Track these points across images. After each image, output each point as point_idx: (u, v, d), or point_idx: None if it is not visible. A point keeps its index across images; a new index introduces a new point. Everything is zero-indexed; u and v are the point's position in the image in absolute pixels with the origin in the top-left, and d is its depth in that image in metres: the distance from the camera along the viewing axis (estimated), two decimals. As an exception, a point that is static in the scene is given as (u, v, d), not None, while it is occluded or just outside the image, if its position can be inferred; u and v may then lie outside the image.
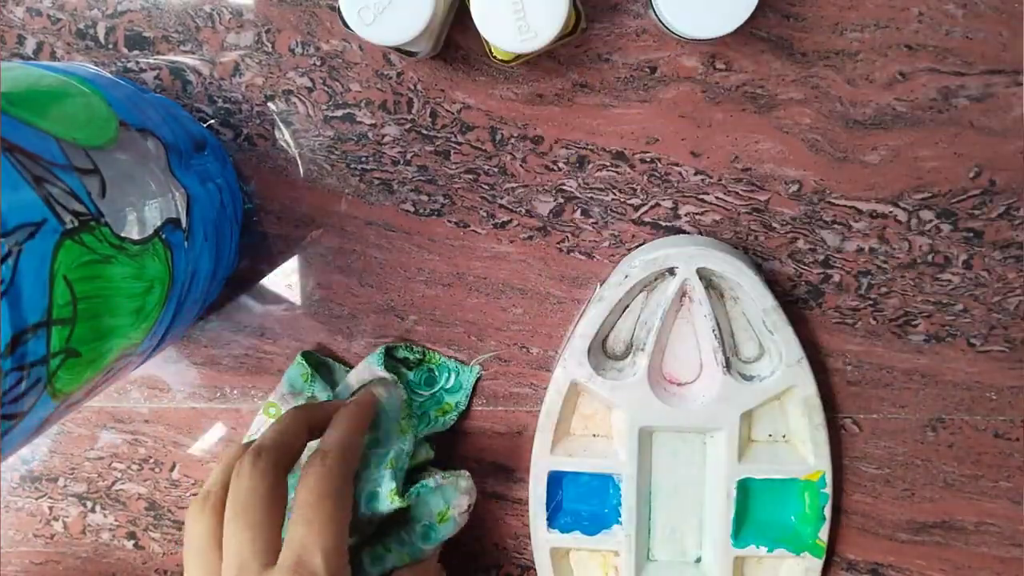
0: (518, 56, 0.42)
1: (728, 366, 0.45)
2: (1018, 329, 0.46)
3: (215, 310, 0.48)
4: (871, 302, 0.46)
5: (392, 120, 0.45)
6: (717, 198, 0.45)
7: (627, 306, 0.46)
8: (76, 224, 0.30)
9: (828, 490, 0.46)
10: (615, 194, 0.45)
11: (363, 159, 0.45)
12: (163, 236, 0.36)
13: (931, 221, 0.45)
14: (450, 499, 0.43)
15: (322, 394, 0.46)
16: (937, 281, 0.46)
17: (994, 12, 0.42)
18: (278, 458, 0.37)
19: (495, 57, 0.42)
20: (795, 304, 0.46)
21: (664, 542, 0.48)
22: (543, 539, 0.47)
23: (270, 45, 0.44)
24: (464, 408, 0.48)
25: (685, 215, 0.45)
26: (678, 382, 0.46)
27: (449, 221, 0.46)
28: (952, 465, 0.48)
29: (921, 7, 0.42)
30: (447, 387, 0.48)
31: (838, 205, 0.45)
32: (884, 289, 0.46)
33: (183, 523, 0.52)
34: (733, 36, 0.43)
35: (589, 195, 0.45)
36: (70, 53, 0.45)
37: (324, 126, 0.45)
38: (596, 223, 0.46)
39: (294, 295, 0.48)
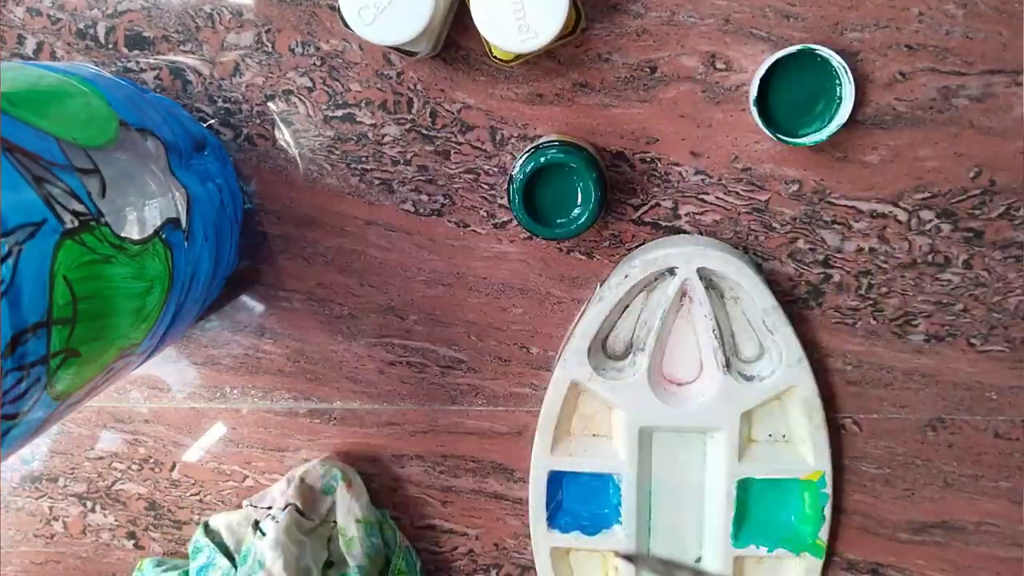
0: (518, 56, 0.42)
1: (728, 366, 0.45)
2: (1018, 329, 0.46)
3: (215, 310, 0.48)
4: (871, 302, 0.46)
5: (392, 120, 0.45)
6: (717, 198, 0.45)
7: (627, 306, 0.46)
8: (76, 224, 0.30)
9: (828, 490, 0.46)
10: (615, 194, 0.45)
11: (363, 159, 0.45)
12: (163, 236, 0.36)
13: (931, 221, 0.45)
14: None
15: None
16: (937, 281, 0.46)
17: (994, 12, 0.42)
18: None
19: (495, 57, 0.42)
20: (795, 304, 0.46)
21: (664, 542, 0.48)
22: (543, 539, 0.47)
23: (270, 45, 0.44)
24: None
25: (685, 215, 0.45)
26: (678, 382, 0.46)
27: (449, 221, 0.46)
28: (952, 465, 0.48)
29: (921, 7, 0.42)
30: None
31: (838, 205, 0.45)
32: (884, 289, 0.46)
33: (183, 523, 0.52)
34: (733, 36, 0.43)
35: (589, 195, 0.45)
36: (70, 53, 0.45)
37: (324, 126, 0.45)
38: (596, 223, 0.46)
39: (294, 295, 0.48)
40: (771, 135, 0.42)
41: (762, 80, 0.41)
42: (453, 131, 0.45)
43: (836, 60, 0.40)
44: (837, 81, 0.41)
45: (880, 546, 0.49)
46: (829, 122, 0.42)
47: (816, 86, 0.42)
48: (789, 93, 0.42)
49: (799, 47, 0.40)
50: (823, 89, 0.42)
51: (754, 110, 0.41)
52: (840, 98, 0.41)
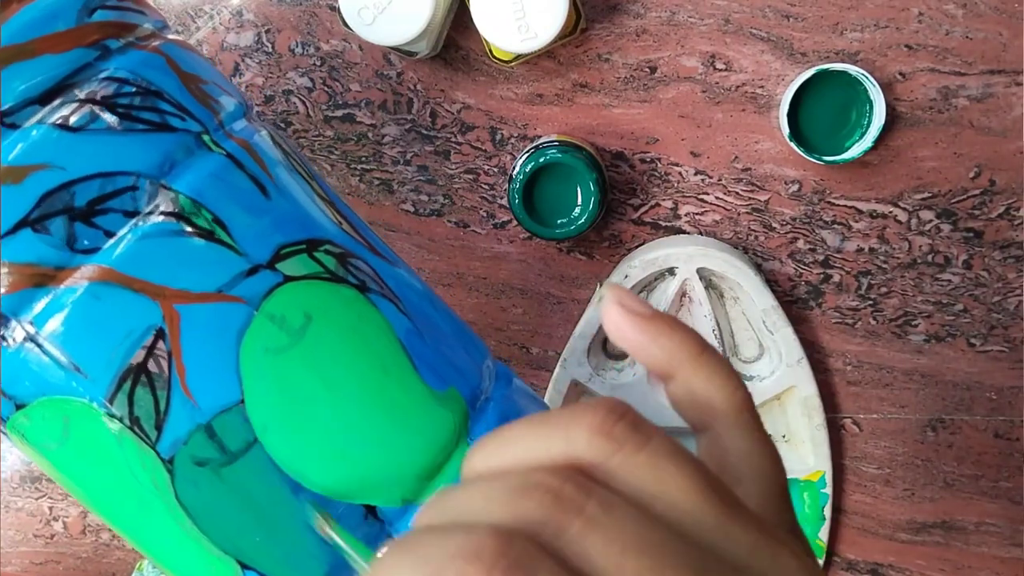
0: (518, 56, 0.42)
1: (728, 366, 0.45)
2: (1018, 329, 0.46)
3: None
4: (871, 302, 0.46)
5: (392, 120, 0.45)
6: (717, 198, 0.45)
7: (627, 306, 0.46)
8: None
9: (828, 490, 0.46)
10: (615, 194, 0.45)
11: (363, 159, 0.46)
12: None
13: (931, 221, 0.45)
14: None
15: None
16: (937, 281, 0.46)
17: (994, 12, 0.42)
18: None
19: (495, 57, 0.42)
20: (795, 304, 0.46)
21: (664, 542, 0.48)
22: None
23: (270, 45, 0.44)
24: None
25: (685, 215, 0.45)
26: (678, 382, 0.46)
27: (449, 221, 0.46)
28: (952, 465, 0.48)
29: (921, 7, 0.42)
30: None
31: (838, 205, 0.45)
32: (884, 289, 0.46)
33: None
34: (733, 36, 0.43)
35: (589, 195, 0.45)
36: (70, 53, 0.45)
37: (324, 126, 0.45)
38: (596, 223, 0.46)
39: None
40: (817, 160, 0.42)
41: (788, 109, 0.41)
42: (453, 131, 0.45)
43: (854, 70, 0.40)
44: (861, 88, 0.41)
45: (880, 546, 0.49)
46: (866, 129, 0.41)
47: (842, 99, 0.42)
48: (816, 113, 0.42)
49: (815, 70, 0.40)
50: (850, 100, 0.42)
51: (792, 143, 0.41)
52: (870, 102, 0.41)
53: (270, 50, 0.44)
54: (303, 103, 0.45)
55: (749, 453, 0.20)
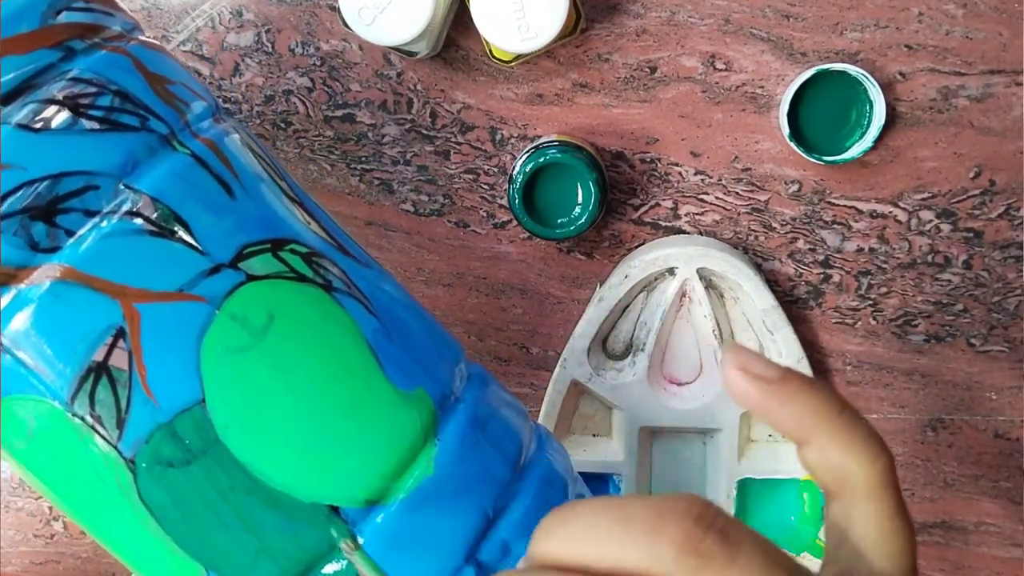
0: (518, 56, 0.42)
1: (728, 366, 0.45)
2: (1018, 329, 0.46)
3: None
4: (871, 302, 0.46)
5: (392, 120, 0.45)
6: (717, 198, 0.45)
7: (627, 306, 0.46)
8: None
9: (828, 490, 0.46)
10: (615, 194, 0.45)
11: (363, 159, 0.46)
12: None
13: (931, 221, 0.45)
14: None
15: None
16: (937, 281, 0.46)
17: (994, 12, 0.42)
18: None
19: (495, 57, 0.42)
20: (795, 304, 0.46)
21: (664, 542, 0.48)
22: (543, 539, 0.47)
23: (270, 45, 0.44)
24: None
25: (685, 215, 0.45)
26: (678, 382, 0.46)
27: (449, 221, 0.46)
28: (952, 465, 0.48)
29: (921, 7, 0.42)
30: None
31: (838, 205, 0.45)
32: (884, 289, 0.46)
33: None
34: (733, 36, 0.43)
35: (589, 195, 0.45)
36: (70, 53, 0.45)
37: (324, 126, 0.45)
38: (596, 223, 0.46)
39: (294, 295, 0.48)
40: (817, 160, 0.42)
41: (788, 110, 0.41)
42: (453, 131, 0.45)
43: (854, 70, 0.40)
44: (861, 88, 0.41)
45: (880, 546, 0.49)
46: (866, 129, 0.41)
47: (842, 99, 0.42)
48: (816, 113, 0.42)
49: (815, 70, 0.40)
50: (850, 100, 0.42)
51: (792, 143, 0.41)
52: (870, 102, 0.41)
53: (270, 50, 0.44)
54: (303, 103, 0.45)
55: (877, 530, 0.20)
